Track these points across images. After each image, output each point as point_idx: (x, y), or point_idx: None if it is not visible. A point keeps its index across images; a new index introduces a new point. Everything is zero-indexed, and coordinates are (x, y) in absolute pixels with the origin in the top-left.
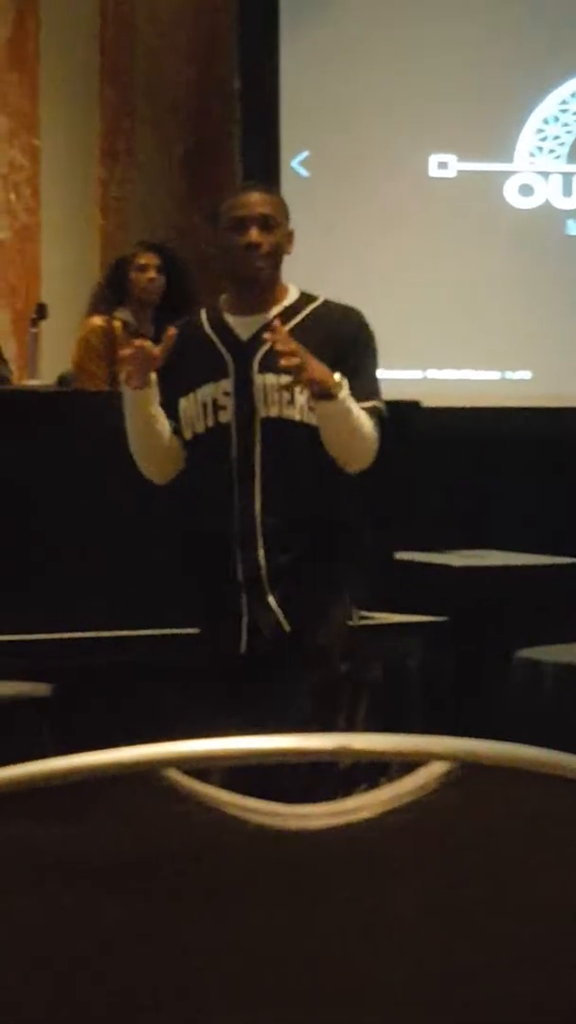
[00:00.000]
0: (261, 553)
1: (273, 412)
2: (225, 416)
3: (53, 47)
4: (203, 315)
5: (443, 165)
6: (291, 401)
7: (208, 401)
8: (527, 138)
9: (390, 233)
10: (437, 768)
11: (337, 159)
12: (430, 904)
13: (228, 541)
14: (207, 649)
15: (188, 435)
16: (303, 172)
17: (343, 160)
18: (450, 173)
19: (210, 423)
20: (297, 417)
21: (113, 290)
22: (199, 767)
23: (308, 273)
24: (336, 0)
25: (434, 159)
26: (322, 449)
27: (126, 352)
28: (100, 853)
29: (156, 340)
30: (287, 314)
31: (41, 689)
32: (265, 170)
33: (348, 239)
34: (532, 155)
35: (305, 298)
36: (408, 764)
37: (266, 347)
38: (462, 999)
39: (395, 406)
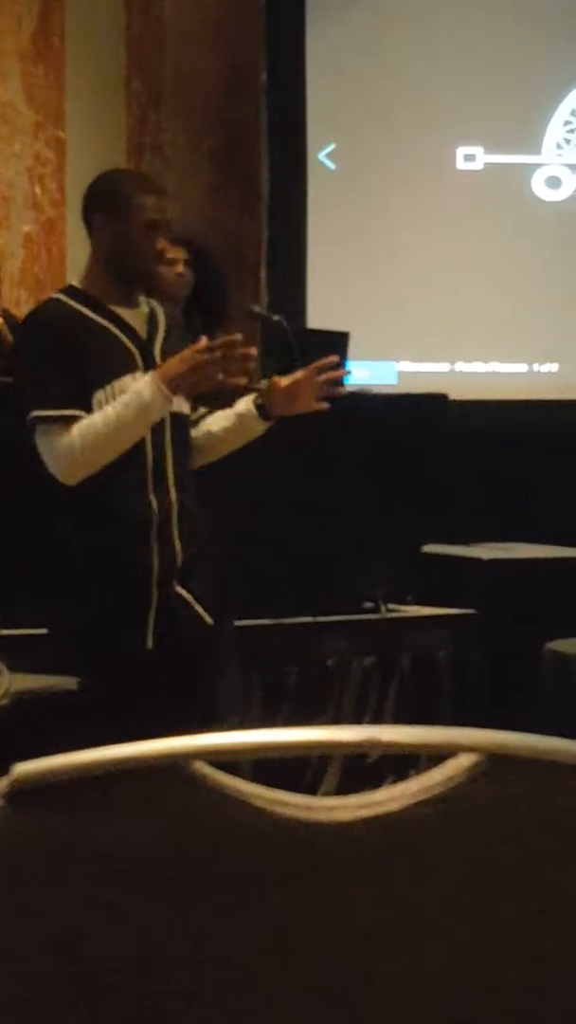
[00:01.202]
0: (179, 546)
1: (175, 407)
2: None
3: (78, 40)
4: (71, 303)
5: (470, 158)
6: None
7: (120, 394)
8: (555, 130)
9: (417, 226)
10: (465, 760)
11: (364, 152)
12: (459, 895)
13: (146, 533)
14: (102, 649)
15: (159, 417)
16: (330, 165)
17: (370, 153)
18: (477, 166)
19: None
20: (186, 411)
21: None
22: (227, 760)
23: (334, 266)
24: None
25: (461, 152)
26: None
27: (209, 358)
28: (129, 846)
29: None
30: (155, 314)
31: (69, 683)
32: (292, 163)
33: (374, 232)
34: (560, 147)
35: None
36: (436, 756)
37: (159, 343)
38: (491, 990)
39: (423, 399)
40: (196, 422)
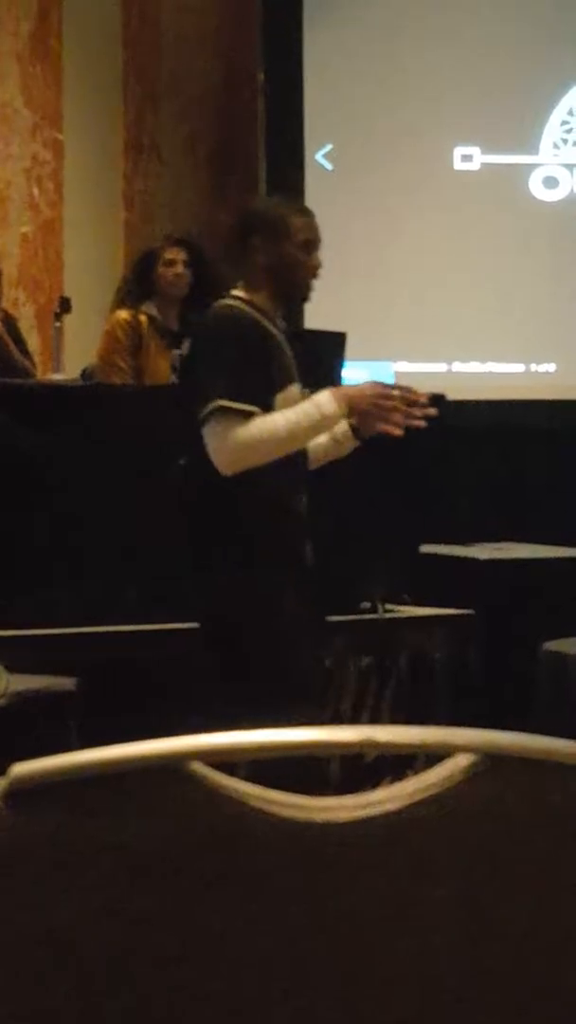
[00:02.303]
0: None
1: None
2: None
3: (76, 41)
4: (249, 311)
5: (467, 158)
6: None
7: (294, 399)
8: (552, 130)
9: (414, 226)
10: (462, 760)
11: (361, 152)
12: (457, 895)
13: (303, 527)
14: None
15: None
16: (327, 165)
17: (367, 153)
18: (474, 166)
19: None
20: None
21: (139, 284)
22: (225, 760)
23: (331, 266)
24: None
25: (458, 151)
26: None
27: (391, 404)
28: (127, 846)
29: (180, 335)
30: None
31: (66, 683)
32: (289, 163)
33: (372, 232)
34: (556, 147)
35: None
36: (433, 757)
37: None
38: (488, 990)
39: None
40: None
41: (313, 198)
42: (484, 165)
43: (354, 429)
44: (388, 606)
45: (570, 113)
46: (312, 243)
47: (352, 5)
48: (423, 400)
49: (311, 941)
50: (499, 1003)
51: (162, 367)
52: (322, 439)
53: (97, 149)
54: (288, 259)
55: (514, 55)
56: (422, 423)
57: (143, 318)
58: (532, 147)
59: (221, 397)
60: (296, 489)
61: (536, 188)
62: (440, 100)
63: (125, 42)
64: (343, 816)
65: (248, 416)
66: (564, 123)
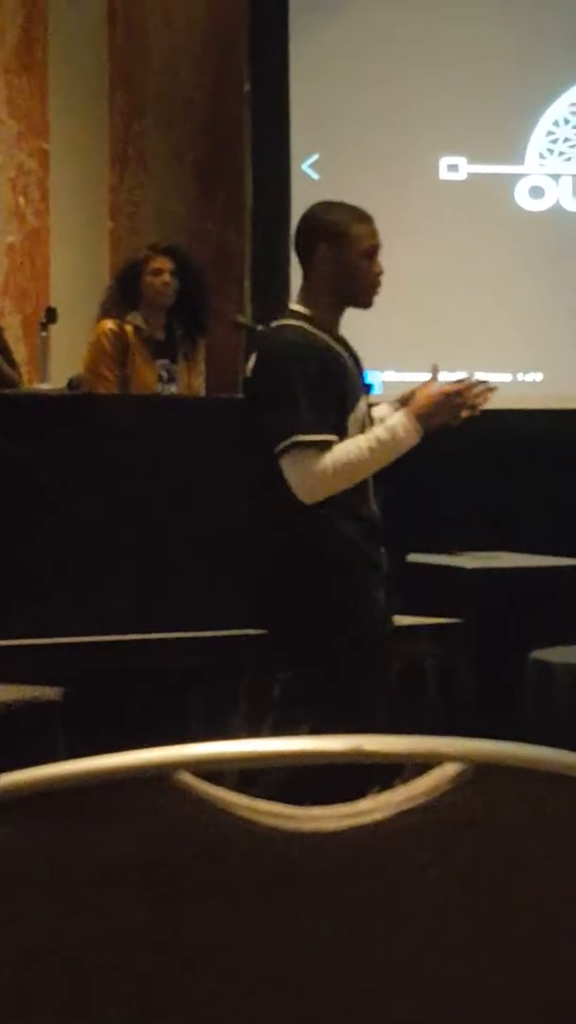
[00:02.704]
0: (383, 552)
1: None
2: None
3: (61, 51)
4: (314, 331)
5: (453, 168)
6: None
7: (362, 417)
8: (537, 140)
9: (400, 236)
10: (450, 770)
11: (347, 162)
12: (445, 905)
13: (377, 534)
14: (337, 642)
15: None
16: (313, 175)
17: (353, 163)
18: (460, 176)
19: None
20: None
21: (125, 294)
22: (212, 770)
23: None
24: (345, 4)
25: (444, 161)
26: None
27: (458, 400)
28: (113, 857)
29: (166, 343)
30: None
31: (52, 693)
32: (276, 173)
33: None
34: (542, 157)
35: None
36: (421, 766)
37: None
38: (475, 1000)
39: None
40: None
41: (300, 208)
42: (470, 175)
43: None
44: None
45: (556, 123)
46: (374, 250)
47: (339, 16)
48: (479, 382)
49: (299, 952)
50: (490, 1014)
51: (148, 377)
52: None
53: (83, 159)
54: (352, 267)
55: (500, 65)
56: (484, 404)
57: (129, 328)
58: (518, 157)
59: (298, 431)
60: (365, 497)
61: (522, 198)
62: (426, 110)
63: (111, 53)
64: (330, 826)
65: (324, 446)
66: (550, 133)
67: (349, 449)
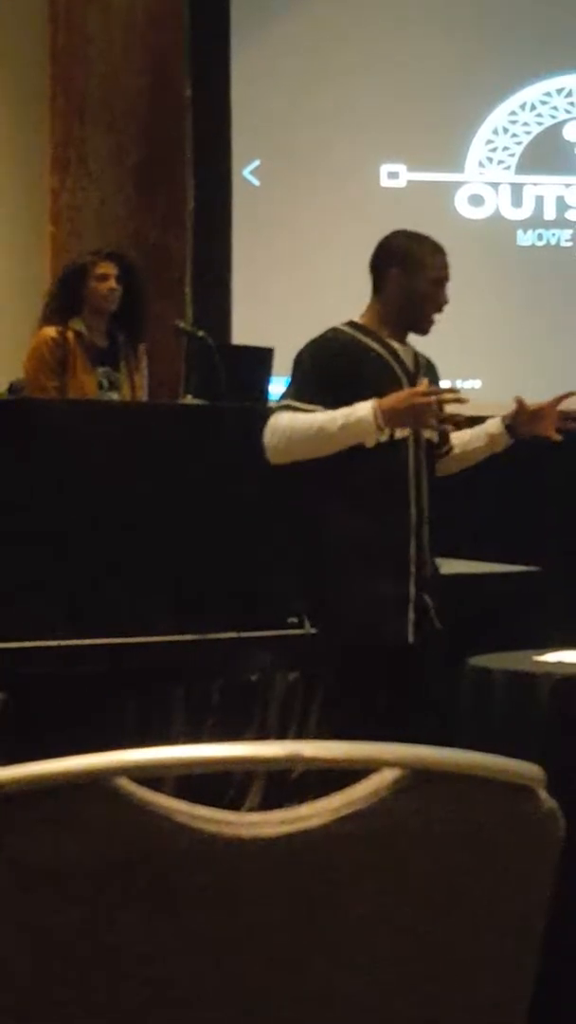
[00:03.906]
0: (426, 554)
1: (427, 434)
2: (401, 432)
3: (2, 54)
4: (349, 331)
5: (393, 175)
6: None
7: None
8: (477, 148)
9: (341, 242)
10: (388, 775)
11: (288, 168)
12: (381, 908)
13: (409, 533)
14: (366, 640)
15: (371, 443)
16: (254, 181)
17: (294, 169)
18: (401, 183)
19: (388, 435)
20: (435, 440)
21: (67, 299)
22: (151, 776)
23: (259, 282)
24: (287, 10)
25: (385, 169)
26: None
27: (427, 401)
28: (52, 861)
29: (109, 350)
30: (417, 353)
31: None
32: (217, 179)
33: (298, 248)
34: (482, 165)
35: None
36: (359, 771)
37: (422, 374)
38: (413, 1003)
39: None
40: (447, 452)
41: (240, 214)
42: (410, 182)
43: (509, 428)
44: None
45: (495, 132)
46: (443, 281)
47: (280, 22)
48: (455, 391)
49: (237, 954)
50: (420, 1013)
51: (88, 384)
52: (479, 442)
53: (23, 163)
54: (419, 293)
55: (440, 74)
56: (458, 416)
57: (71, 334)
58: (458, 165)
59: (286, 398)
60: (405, 497)
61: (462, 206)
62: (367, 117)
63: (52, 56)
64: (268, 831)
65: (296, 411)
66: (489, 142)
67: (309, 416)
